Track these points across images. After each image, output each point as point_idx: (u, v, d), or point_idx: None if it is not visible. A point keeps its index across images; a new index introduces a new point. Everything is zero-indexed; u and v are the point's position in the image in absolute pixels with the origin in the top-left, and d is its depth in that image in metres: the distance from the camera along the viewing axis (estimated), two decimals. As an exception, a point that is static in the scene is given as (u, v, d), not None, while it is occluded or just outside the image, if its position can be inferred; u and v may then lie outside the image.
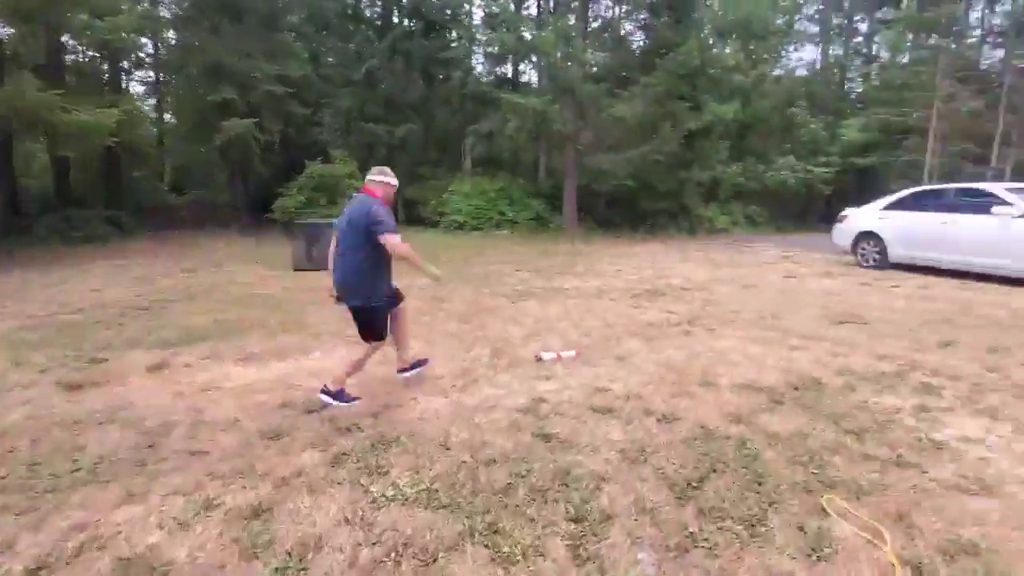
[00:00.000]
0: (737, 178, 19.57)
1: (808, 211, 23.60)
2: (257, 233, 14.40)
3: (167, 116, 23.26)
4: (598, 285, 7.21)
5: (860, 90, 26.86)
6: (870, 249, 8.21)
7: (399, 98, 18.42)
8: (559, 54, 15.09)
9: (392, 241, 2.98)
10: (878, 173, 20.92)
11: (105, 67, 15.81)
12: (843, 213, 8.84)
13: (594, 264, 9.48)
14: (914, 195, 7.97)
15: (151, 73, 22.03)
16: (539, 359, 3.89)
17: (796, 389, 3.28)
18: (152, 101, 23.40)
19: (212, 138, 14.08)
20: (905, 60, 23.59)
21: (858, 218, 8.49)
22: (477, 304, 6.02)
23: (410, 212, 18.22)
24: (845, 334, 4.49)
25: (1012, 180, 15.79)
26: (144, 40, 17.25)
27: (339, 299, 3.25)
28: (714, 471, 2.35)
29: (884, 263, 7.96)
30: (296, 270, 8.59)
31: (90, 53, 15.42)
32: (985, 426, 2.75)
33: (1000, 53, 19.91)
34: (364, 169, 16.61)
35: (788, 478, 2.28)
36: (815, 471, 2.33)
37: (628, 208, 17.55)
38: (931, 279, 7.03)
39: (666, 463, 2.42)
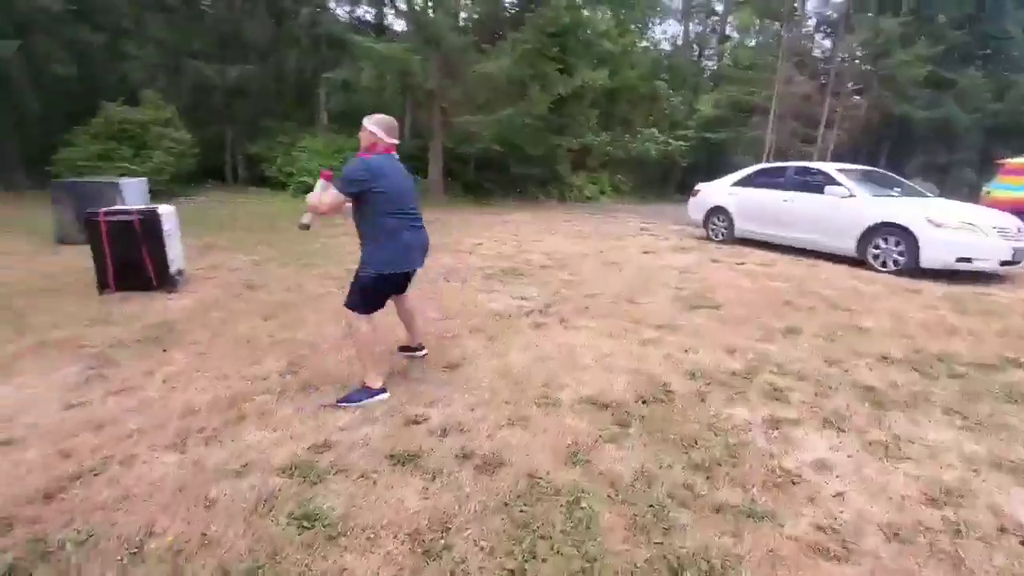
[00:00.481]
0: (606, 147, 19.83)
1: (667, 181, 24.99)
2: (34, 193, 11.31)
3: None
4: (450, 263, 6.41)
5: (715, 68, 28.75)
6: (719, 224, 8.41)
7: (236, 33, 15.58)
8: (430, 9, 13.61)
9: None
10: (727, 148, 22.64)
11: None
12: (697, 188, 8.97)
13: (453, 236, 8.66)
14: (758, 172, 8.25)
15: None
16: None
17: (644, 402, 2.80)
18: None
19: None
20: (752, 43, 25.59)
21: (710, 193, 8.64)
22: (296, 292, 4.91)
23: (253, 171, 15.78)
24: (699, 321, 4.20)
25: (833, 160, 17.87)
26: None
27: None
28: (533, 557, 1.70)
29: (731, 238, 8.20)
30: (61, 243, 6.61)
31: None
32: (833, 443, 2.46)
33: (828, 43, 22.21)
34: (186, 114, 13.93)
35: (627, 560, 1.70)
36: (660, 540, 1.79)
37: (498, 173, 16.93)
38: (773, 255, 7.30)
39: (471, 551, 1.73)
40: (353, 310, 2.69)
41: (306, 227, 2.70)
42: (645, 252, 7.41)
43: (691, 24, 29.94)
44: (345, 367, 3.17)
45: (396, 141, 2.75)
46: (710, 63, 30.01)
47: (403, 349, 3.36)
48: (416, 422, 2.53)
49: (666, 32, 31.43)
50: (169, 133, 12.15)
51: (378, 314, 2.78)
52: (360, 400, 2.68)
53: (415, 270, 2.89)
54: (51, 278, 5.11)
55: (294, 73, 17.64)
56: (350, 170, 2.53)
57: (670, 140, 21.36)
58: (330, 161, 14.34)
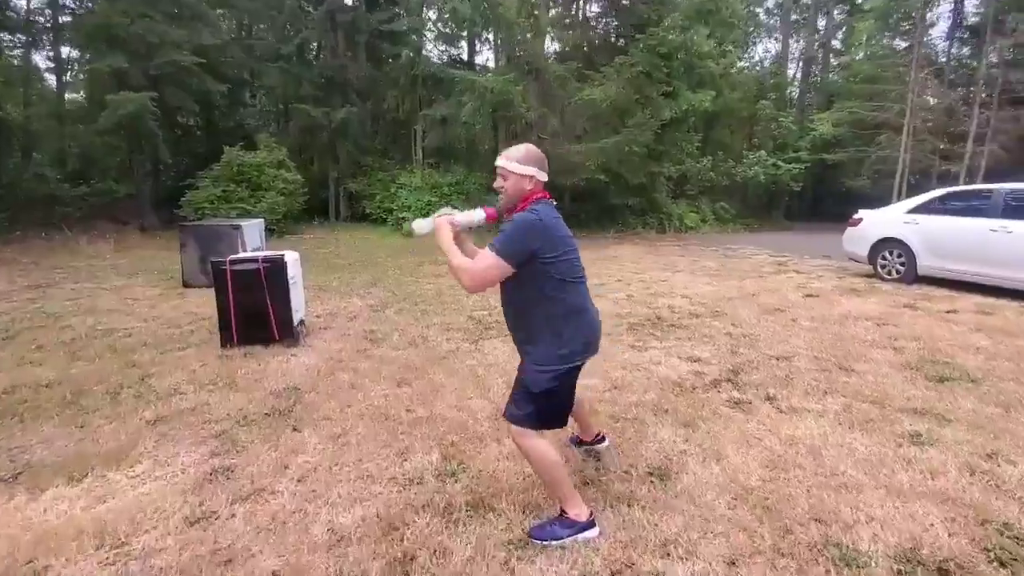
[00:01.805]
0: (708, 173, 18.52)
1: (772, 207, 23.01)
2: (164, 234, 12.02)
3: (78, 96, 20.01)
4: (582, 308, 5.62)
5: (819, 83, 26.51)
6: (892, 259, 7.00)
7: (339, 77, 16.24)
8: (527, 33, 13.37)
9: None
10: (845, 170, 20.42)
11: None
12: (857, 216, 7.60)
13: (569, 274, 7.90)
14: (948, 196, 6.79)
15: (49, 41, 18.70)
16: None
17: (1003, 565, 1.78)
18: (52, 77, 20.03)
19: (105, 117, 11.53)
20: (860, 56, 23.26)
21: (877, 222, 7.26)
22: (423, 347, 4.31)
23: (354, 208, 16.16)
24: (967, 404, 3.06)
25: (985, 180, 15.39)
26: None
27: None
28: None
29: (910, 276, 6.77)
30: (186, 286, 6.58)
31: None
32: None
33: (966, 51, 19.63)
34: (297, 157, 14.55)
35: None
36: None
37: (595, 204, 16.16)
38: (982, 299, 5.83)
39: None
40: (518, 424, 1.87)
41: (409, 234, 2.08)
42: (808, 295, 6.20)
43: (793, 41, 28.01)
44: (512, 467, 2.42)
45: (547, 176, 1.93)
46: (815, 80, 27.82)
47: (578, 443, 2.55)
48: (658, 588, 1.68)
49: (769, 51, 29.36)
50: (281, 174, 12.59)
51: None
52: (562, 537, 1.89)
53: None
54: (175, 327, 4.90)
55: (392, 112, 18.18)
56: (520, 232, 1.76)
57: (779, 163, 19.64)
58: (427, 197, 14.31)
